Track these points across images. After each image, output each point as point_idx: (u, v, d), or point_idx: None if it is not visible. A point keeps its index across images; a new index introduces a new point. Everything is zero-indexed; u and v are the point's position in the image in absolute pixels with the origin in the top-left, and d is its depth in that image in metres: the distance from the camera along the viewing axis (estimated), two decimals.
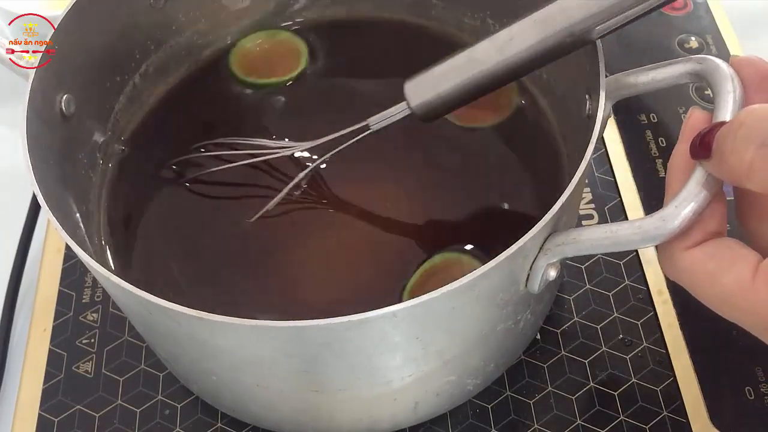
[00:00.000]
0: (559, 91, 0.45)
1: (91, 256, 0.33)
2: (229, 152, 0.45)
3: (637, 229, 0.30)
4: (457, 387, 0.40)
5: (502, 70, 0.36)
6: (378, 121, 0.40)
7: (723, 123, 0.29)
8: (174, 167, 0.46)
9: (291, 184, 0.43)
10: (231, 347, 0.33)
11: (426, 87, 0.38)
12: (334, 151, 0.42)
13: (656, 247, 0.31)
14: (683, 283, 0.31)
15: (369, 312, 0.29)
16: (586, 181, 0.50)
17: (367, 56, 0.52)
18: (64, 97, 0.40)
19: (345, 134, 0.41)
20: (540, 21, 0.35)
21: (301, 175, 0.44)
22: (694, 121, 0.31)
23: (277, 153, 0.44)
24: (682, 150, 0.31)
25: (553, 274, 0.34)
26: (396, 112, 0.40)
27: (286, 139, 0.46)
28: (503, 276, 0.33)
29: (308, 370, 0.34)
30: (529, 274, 0.34)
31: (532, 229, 0.31)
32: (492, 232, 0.43)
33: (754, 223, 0.32)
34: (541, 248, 0.33)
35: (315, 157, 0.44)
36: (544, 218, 0.31)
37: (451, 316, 0.32)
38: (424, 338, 0.34)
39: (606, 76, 0.36)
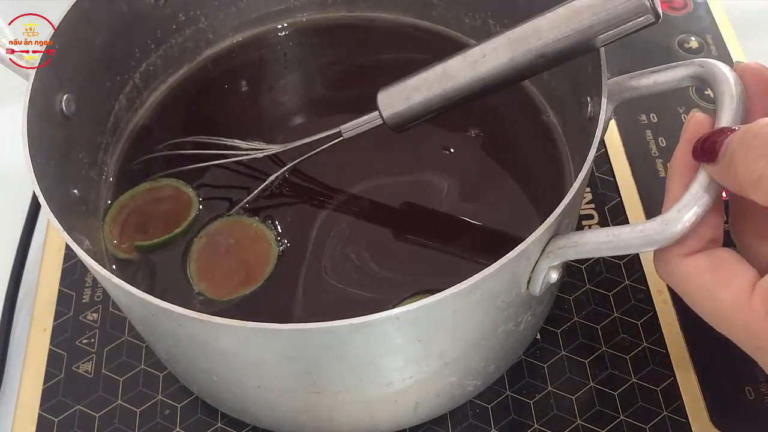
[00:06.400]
0: (560, 93, 0.45)
1: (91, 257, 0.33)
2: (220, 152, 0.45)
3: (639, 232, 0.30)
4: (457, 388, 0.40)
5: (474, 86, 0.37)
6: (350, 129, 0.41)
7: (727, 128, 0.29)
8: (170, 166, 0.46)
9: (264, 185, 0.44)
10: (232, 349, 0.33)
11: (398, 98, 0.39)
12: (305, 156, 0.43)
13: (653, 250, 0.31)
14: (678, 291, 0.31)
15: (372, 315, 0.29)
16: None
17: (367, 56, 0.52)
18: (64, 97, 0.40)
19: (320, 139, 0.42)
20: (513, 40, 0.36)
21: (272, 177, 0.44)
22: (695, 123, 0.31)
23: (261, 153, 0.44)
24: (682, 153, 0.31)
25: (554, 276, 0.34)
26: (368, 122, 0.41)
27: (289, 136, 0.46)
28: (505, 279, 0.33)
29: (309, 372, 0.34)
30: (530, 277, 0.34)
31: (534, 232, 0.31)
32: (494, 235, 0.43)
33: (748, 238, 0.32)
34: (543, 251, 0.33)
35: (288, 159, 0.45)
36: (546, 221, 0.31)
37: (453, 318, 0.32)
38: (425, 340, 0.34)
39: (608, 78, 0.36)
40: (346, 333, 0.30)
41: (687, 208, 0.29)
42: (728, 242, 0.31)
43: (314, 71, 0.51)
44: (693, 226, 0.29)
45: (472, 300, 0.32)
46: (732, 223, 0.33)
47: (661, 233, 0.30)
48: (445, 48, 0.49)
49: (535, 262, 0.33)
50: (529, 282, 0.34)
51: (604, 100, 0.35)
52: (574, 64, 0.37)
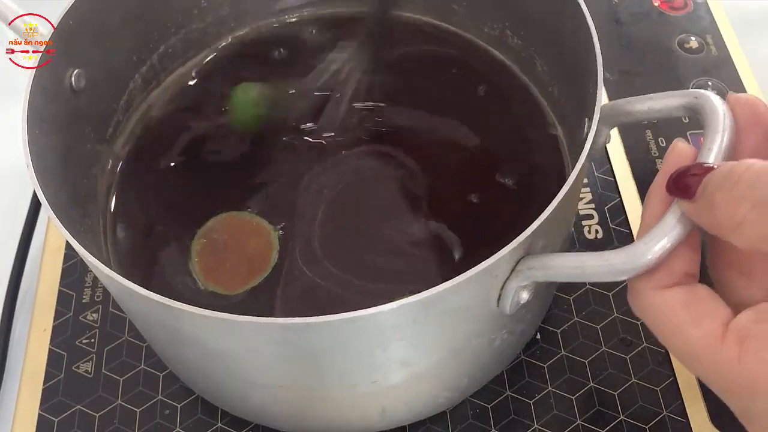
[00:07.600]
0: (567, 110, 0.44)
1: (92, 255, 0.33)
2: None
3: (605, 262, 0.29)
4: (430, 397, 0.39)
5: None
6: None
7: (705, 165, 0.28)
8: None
9: None
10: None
11: None
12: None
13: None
14: (648, 325, 0.30)
15: (329, 315, 0.29)
16: (586, 181, 0.50)
17: (391, 50, 0.51)
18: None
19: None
20: None
21: None
22: (676, 155, 0.30)
23: None
24: (660, 182, 0.30)
25: (525, 296, 0.32)
26: None
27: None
28: (470, 293, 0.31)
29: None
30: (500, 294, 0.33)
31: (501, 250, 0.30)
32: (490, 243, 0.42)
33: (724, 274, 0.31)
34: (513, 269, 0.32)
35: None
36: (514, 241, 0.30)
37: (412, 328, 0.32)
38: (383, 347, 0.33)
39: (605, 101, 0.35)
40: (300, 331, 0.30)
41: (655, 241, 0.28)
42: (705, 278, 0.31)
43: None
44: (661, 259, 0.28)
45: (435, 312, 0.31)
46: (708, 260, 0.31)
47: (626, 264, 0.28)
48: (463, 48, 0.49)
49: (504, 280, 0.32)
50: (498, 299, 0.33)
51: (595, 122, 0.34)
52: (578, 81, 0.36)
